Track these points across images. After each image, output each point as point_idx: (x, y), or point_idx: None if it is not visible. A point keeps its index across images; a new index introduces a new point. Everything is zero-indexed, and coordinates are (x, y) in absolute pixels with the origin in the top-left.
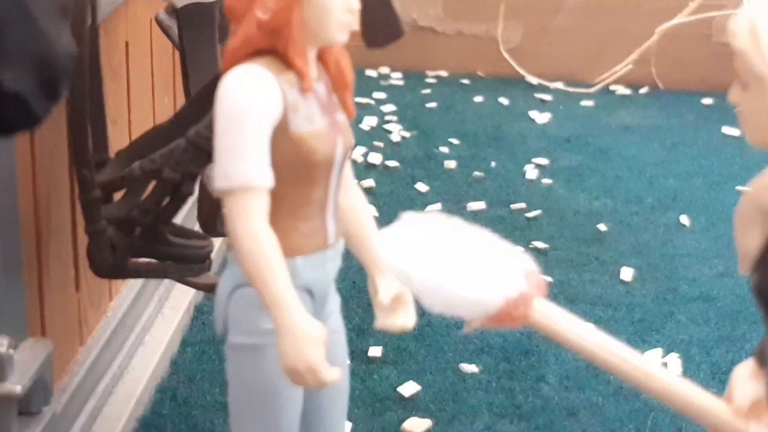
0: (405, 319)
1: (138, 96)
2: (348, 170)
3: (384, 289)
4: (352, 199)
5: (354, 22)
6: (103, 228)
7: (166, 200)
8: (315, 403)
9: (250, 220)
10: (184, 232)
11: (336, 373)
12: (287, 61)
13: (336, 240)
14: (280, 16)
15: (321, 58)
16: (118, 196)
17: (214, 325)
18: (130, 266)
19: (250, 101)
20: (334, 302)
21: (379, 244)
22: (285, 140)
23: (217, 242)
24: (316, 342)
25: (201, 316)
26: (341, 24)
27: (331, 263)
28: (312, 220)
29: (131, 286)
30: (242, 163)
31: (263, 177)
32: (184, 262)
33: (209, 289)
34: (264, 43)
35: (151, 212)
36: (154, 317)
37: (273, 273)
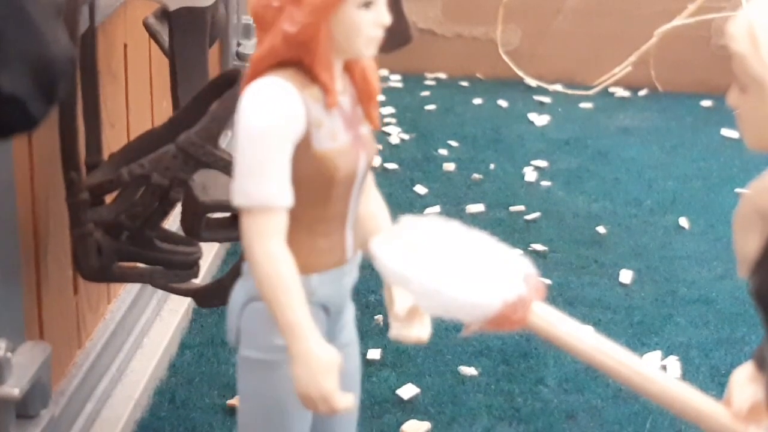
0: (420, 331)
1: (136, 99)
2: (369, 178)
3: (400, 299)
4: (372, 207)
5: (381, 36)
6: (90, 231)
7: (155, 205)
8: (325, 417)
9: (269, 240)
10: (172, 238)
11: (349, 400)
12: (312, 75)
13: (354, 254)
14: (308, 31)
15: (347, 68)
16: (110, 199)
17: (227, 335)
18: (117, 270)
19: (273, 117)
20: (349, 313)
21: (375, 247)
22: (307, 157)
23: (211, 249)
24: (330, 370)
25: (199, 318)
26: (370, 39)
27: (348, 277)
28: (331, 236)
29: (129, 289)
30: (262, 181)
31: (283, 197)
32: (171, 267)
33: (191, 294)
34: (289, 55)
35: (138, 217)
36: (152, 320)
37: (289, 297)
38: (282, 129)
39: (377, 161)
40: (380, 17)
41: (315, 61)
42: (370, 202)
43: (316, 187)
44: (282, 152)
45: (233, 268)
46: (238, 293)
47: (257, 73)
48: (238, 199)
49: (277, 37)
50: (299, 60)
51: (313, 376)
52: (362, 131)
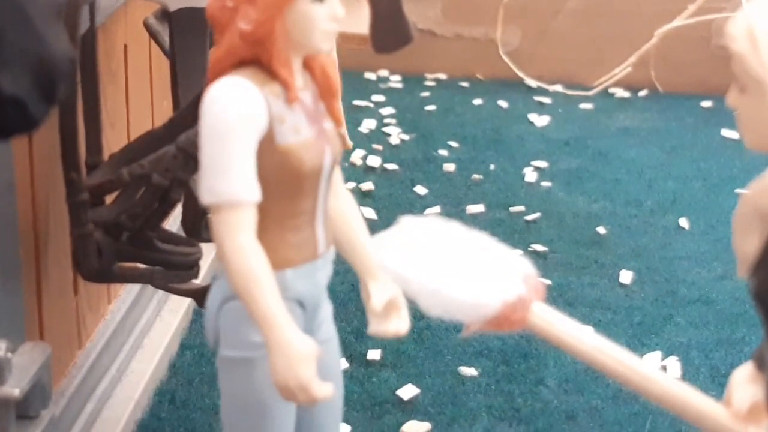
0: (399, 325)
1: (136, 99)
2: (337, 176)
3: (377, 294)
4: (341, 204)
5: (337, 30)
6: (90, 231)
7: (155, 206)
8: (309, 412)
9: (237, 235)
10: (172, 238)
11: (328, 389)
12: (271, 72)
13: (326, 249)
14: (263, 27)
15: (307, 65)
16: (110, 200)
17: (206, 339)
18: (117, 271)
19: (235, 115)
20: (326, 310)
21: (375, 247)
22: (271, 153)
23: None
24: (308, 359)
25: (199, 319)
26: (325, 33)
27: (321, 272)
28: (301, 230)
29: (130, 289)
30: (228, 178)
31: (250, 192)
32: (171, 268)
33: (192, 295)
34: (248, 53)
35: (139, 217)
36: (152, 320)
37: (262, 289)
38: (244, 126)
39: (377, 162)
40: (334, 10)
41: (273, 58)
42: (340, 200)
43: (283, 182)
44: (246, 149)
45: None
46: (213, 295)
47: (217, 74)
48: (205, 197)
49: (234, 36)
50: (257, 58)
51: (290, 366)
52: (326, 126)
